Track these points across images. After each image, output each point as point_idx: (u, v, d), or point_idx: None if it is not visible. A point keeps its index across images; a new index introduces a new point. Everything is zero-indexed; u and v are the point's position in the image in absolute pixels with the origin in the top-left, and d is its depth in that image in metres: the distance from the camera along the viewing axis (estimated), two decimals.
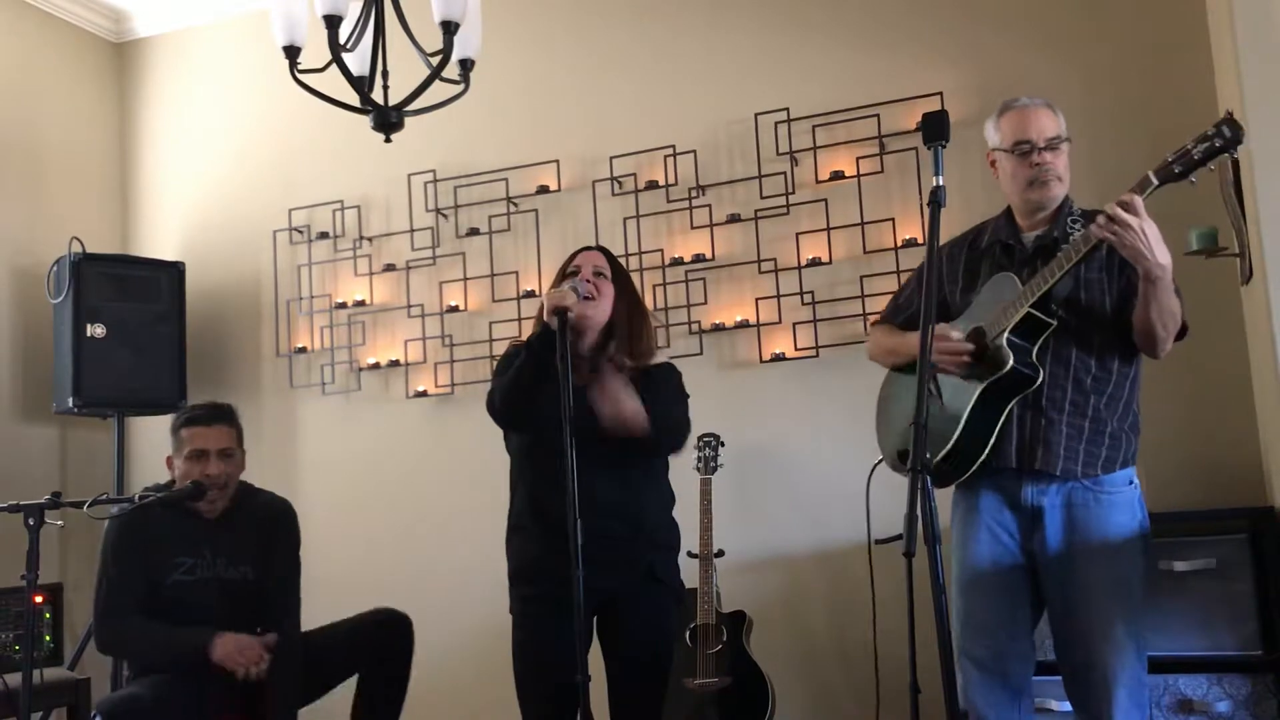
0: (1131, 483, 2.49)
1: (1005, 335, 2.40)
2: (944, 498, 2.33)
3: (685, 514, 2.91)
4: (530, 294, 4.37)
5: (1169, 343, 2.41)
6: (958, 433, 2.41)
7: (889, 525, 3.37)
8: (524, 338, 2.74)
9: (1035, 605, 2.53)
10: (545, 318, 2.58)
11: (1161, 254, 2.27)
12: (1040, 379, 2.41)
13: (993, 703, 2.46)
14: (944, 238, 2.46)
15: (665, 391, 2.78)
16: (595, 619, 2.71)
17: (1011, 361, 2.37)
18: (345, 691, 3.27)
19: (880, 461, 2.75)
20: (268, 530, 3.23)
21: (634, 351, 2.75)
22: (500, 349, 3.57)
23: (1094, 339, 2.46)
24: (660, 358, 2.86)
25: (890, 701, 3.51)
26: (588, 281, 2.72)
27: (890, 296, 2.96)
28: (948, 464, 2.44)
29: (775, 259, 4.10)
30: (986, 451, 2.43)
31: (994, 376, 2.40)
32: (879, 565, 3.58)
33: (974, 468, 2.44)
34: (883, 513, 3.39)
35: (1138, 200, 2.27)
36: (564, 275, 2.79)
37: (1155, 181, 2.30)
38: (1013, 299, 2.43)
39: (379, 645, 3.22)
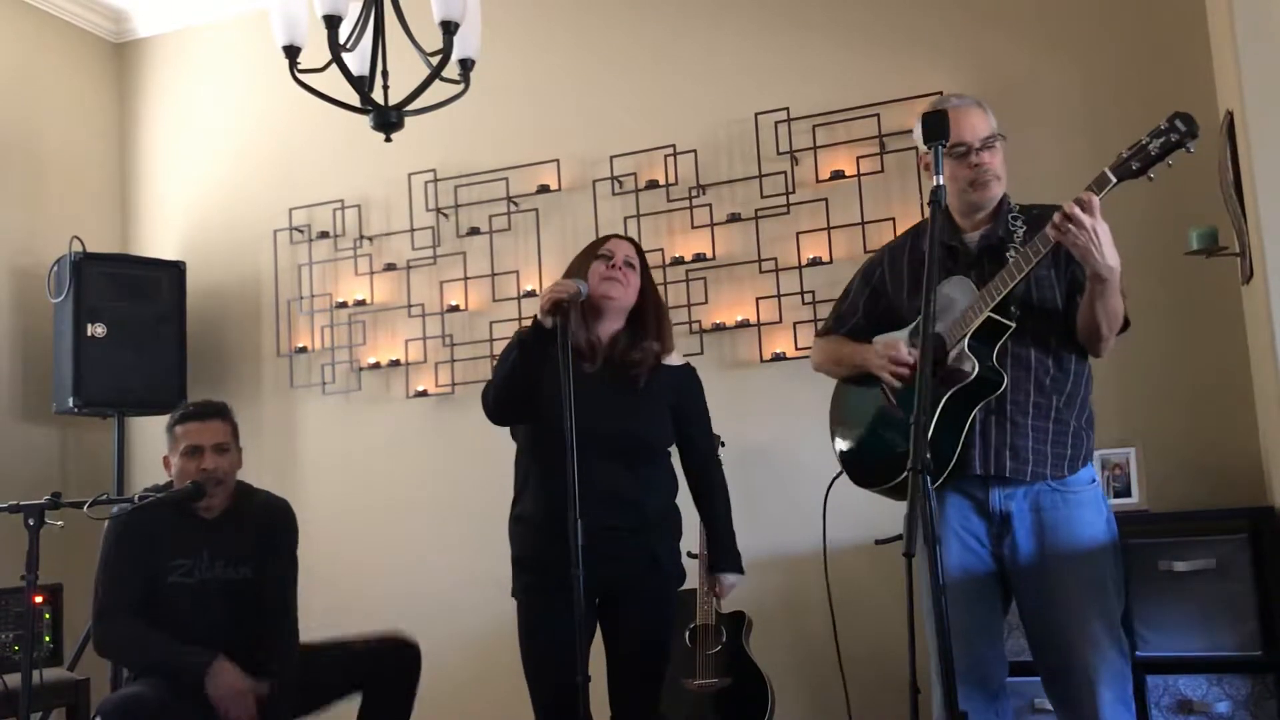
0: (1093, 481, 2.50)
1: (966, 341, 2.40)
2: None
3: (685, 513, 2.92)
4: (531, 293, 4.37)
5: (1111, 341, 2.42)
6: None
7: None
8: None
9: (1004, 605, 2.54)
10: (541, 315, 2.57)
11: (1111, 256, 2.28)
12: (1005, 383, 2.41)
13: (972, 709, 2.44)
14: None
15: (698, 415, 2.90)
16: (597, 601, 2.73)
17: (978, 368, 2.37)
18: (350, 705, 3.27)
19: (840, 474, 2.72)
20: (266, 530, 3.22)
21: (665, 344, 2.81)
22: (500, 349, 3.57)
23: (1050, 339, 2.46)
24: (677, 358, 2.90)
25: (889, 702, 3.51)
26: (619, 268, 2.76)
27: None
28: None
29: (776, 258, 4.10)
30: (954, 459, 2.41)
31: (960, 384, 2.39)
32: (879, 566, 3.59)
33: (943, 476, 2.41)
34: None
35: (1095, 200, 2.27)
36: (594, 255, 2.80)
37: (1113, 179, 2.30)
38: (971, 302, 2.42)
39: (385, 669, 3.19)
